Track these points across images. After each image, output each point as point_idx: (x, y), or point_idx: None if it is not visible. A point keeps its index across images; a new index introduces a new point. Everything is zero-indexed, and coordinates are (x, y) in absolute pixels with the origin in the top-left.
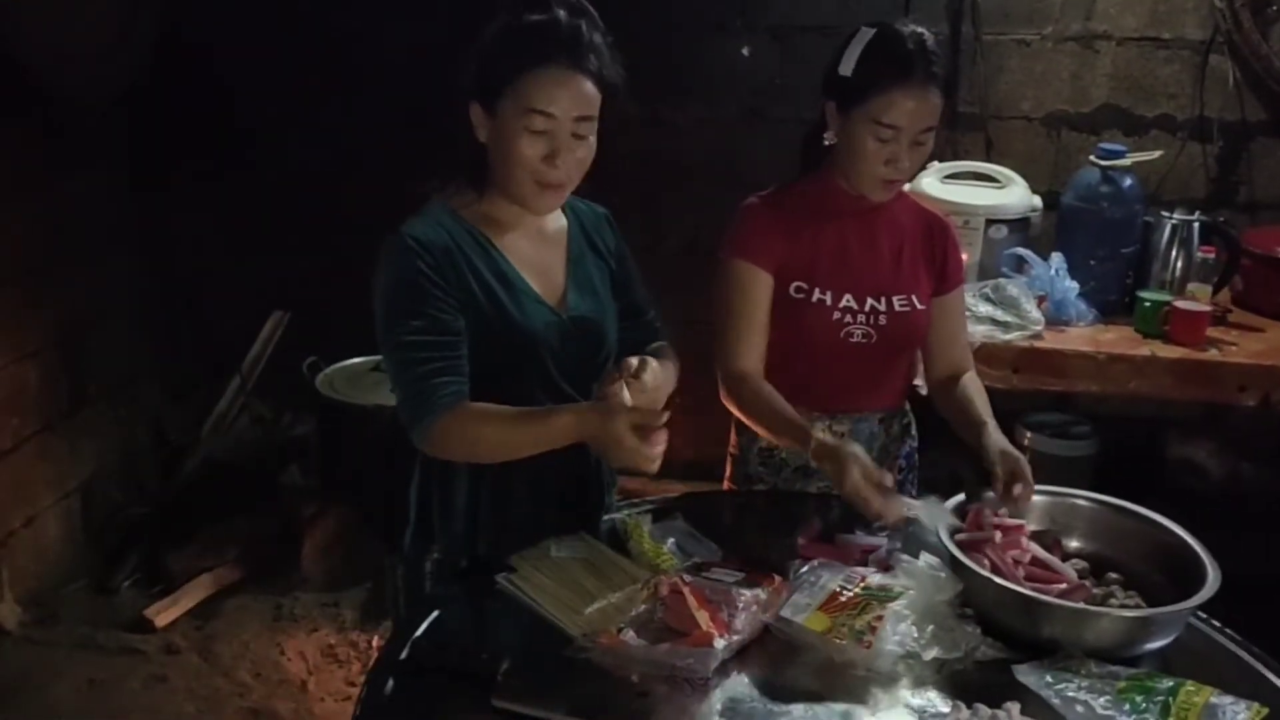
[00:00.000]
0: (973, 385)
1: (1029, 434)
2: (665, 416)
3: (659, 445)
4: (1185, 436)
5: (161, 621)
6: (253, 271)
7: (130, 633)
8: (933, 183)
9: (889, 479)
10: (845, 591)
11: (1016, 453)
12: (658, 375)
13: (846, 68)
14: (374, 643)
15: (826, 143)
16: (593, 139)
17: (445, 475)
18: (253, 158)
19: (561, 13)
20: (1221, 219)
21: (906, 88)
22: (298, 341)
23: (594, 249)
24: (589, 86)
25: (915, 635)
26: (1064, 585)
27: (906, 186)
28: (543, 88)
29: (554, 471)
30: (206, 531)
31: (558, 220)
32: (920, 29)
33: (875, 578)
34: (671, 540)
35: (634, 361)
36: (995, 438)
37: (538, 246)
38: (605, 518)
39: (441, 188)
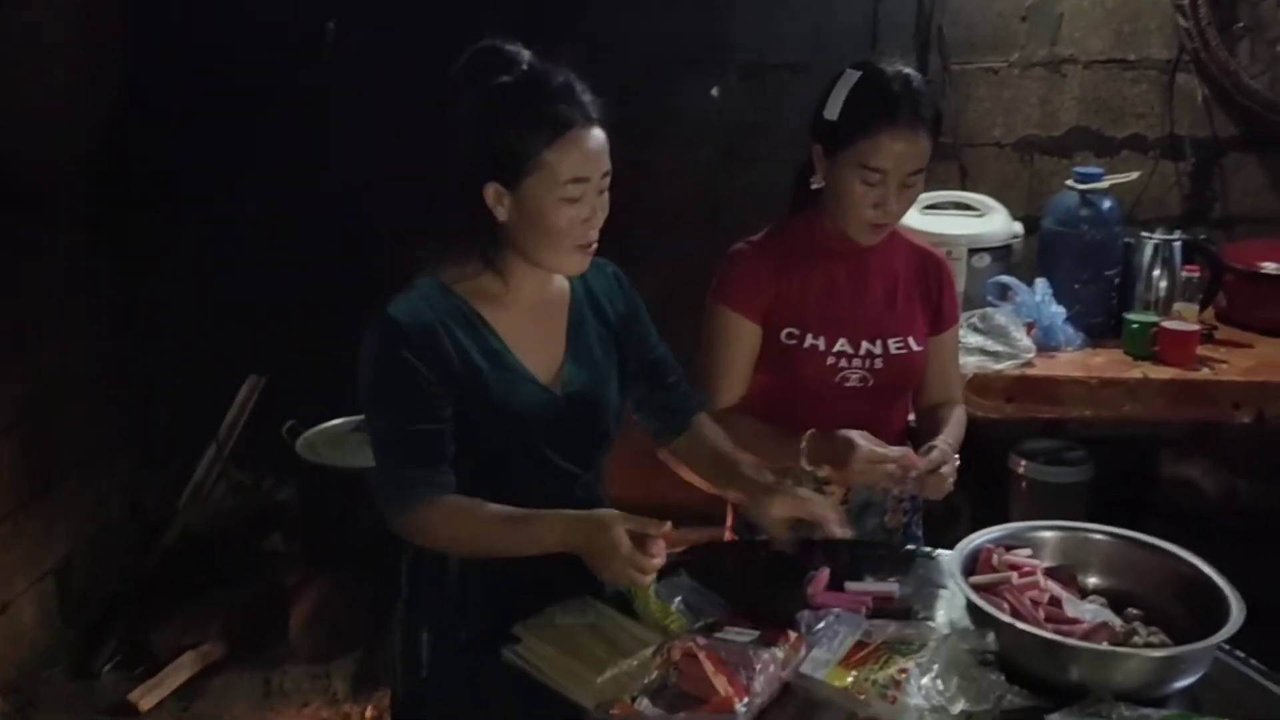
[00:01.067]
0: (953, 416)
1: (1024, 462)
2: (667, 525)
3: (658, 556)
4: (1178, 456)
5: (146, 705)
6: (226, 335)
7: (114, 718)
8: (913, 215)
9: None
10: (866, 644)
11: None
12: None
13: (832, 111)
14: (367, 714)
15: (814, 186)
16: (608, 185)
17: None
18: (219, 220)
19: (527, 67)
20: (1202, 236)
21: (893, 131)
22: (276, 405)
23: (598, 313)
24: (601, 136)
25: (941, 688)
26: (1085, 625)
27: None
28: (570, 159)
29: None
30: (188, 607)
31: (559, 286)
32: (907, 70)
33: (894, 628)
34: (678, 598)
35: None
36: (936, 444)
37: (536, 318)
38: None
39: (436, 260)
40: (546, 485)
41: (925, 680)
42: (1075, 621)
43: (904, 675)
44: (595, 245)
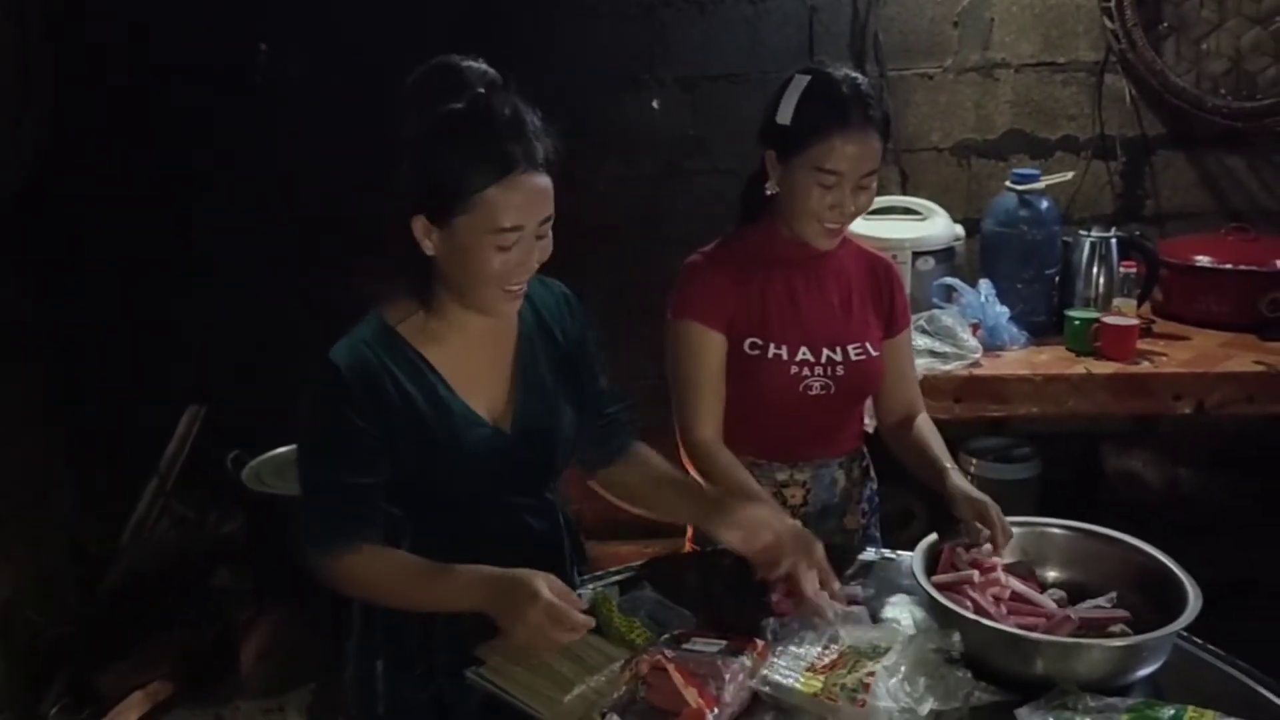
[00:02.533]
0: (927, 427)
1: (974, 461)
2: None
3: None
4: (1120, 449)
5: None
6: (163, 367)
7: None
8: (857, 220)
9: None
10: (832, 649)
11: (983, 497)
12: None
13: (784, 116)
14: None
15: (768, 193)
16: (550, 229)
17: None
18: (152, 249)
19: (482, 91)
20: (1137, 233)
21: (846, 133)
22: (218, 436)
23: (548, 338)
24: (545, 182)
25: (908, 689)
26: (1049, 619)
27: None
28: (509, 203)
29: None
30: (135, 646)
31: (508, 316)
32: (854, 73)
33: (859, 631)
34: (643, 612)
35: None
36: (958, 483)
37: (482, 351)
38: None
39: (377, 295)
40: (497, 520)
41: (893, 682)
42: (1038, 615)
43: (872, 678)
44: (525, 289)
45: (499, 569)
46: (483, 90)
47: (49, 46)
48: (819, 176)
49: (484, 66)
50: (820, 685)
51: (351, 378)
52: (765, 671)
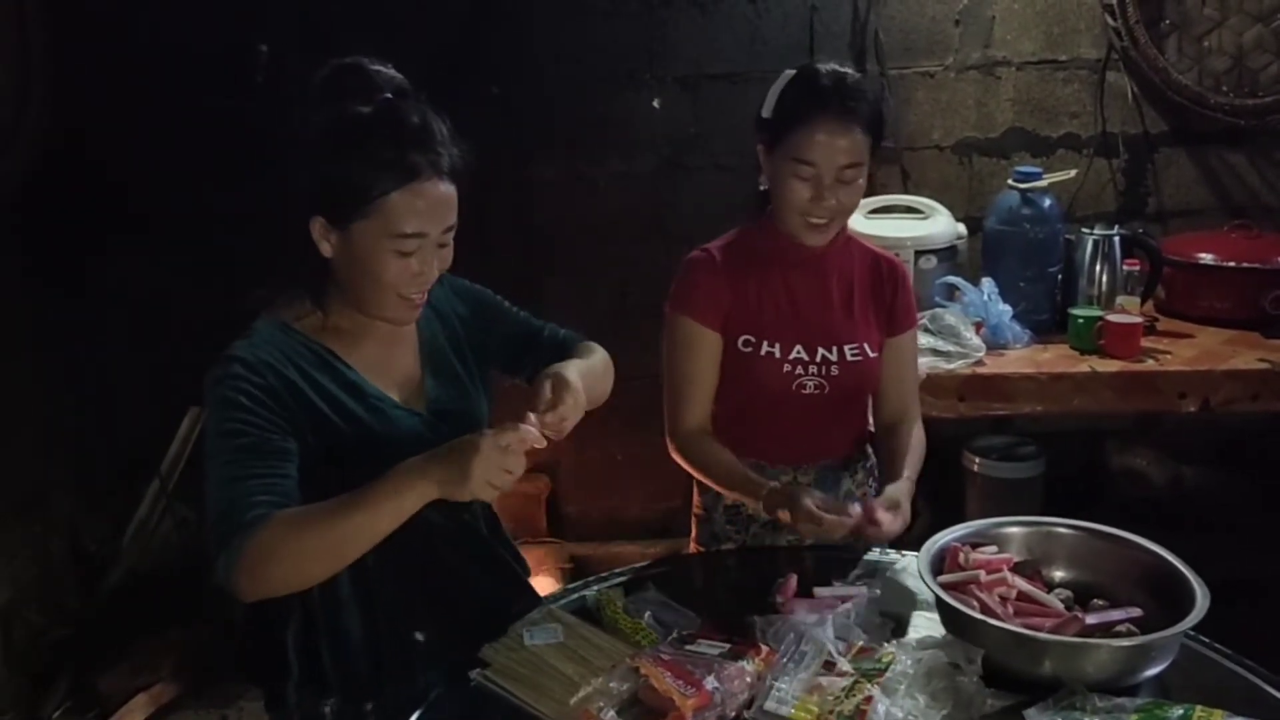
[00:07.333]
0: (913, 438)
1: (977, 460)
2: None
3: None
4: (1124, 446)
5: None
6: (164, 368)
7: None
8: (859, 219)
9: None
10: (830, 669)
11: (898, 501)
12: (577, 392)
13: (768, 109)
14: None
15: (761, 187)
16: (452, 239)
17: (330, 607)
18: (153, 249)
19: (389, 97)
20: (1141, 230)
21: (820, 122)
22: None
23: (447, 327)
24: (450, 191)
25: (913, 703)
26: (1056, 618)
27: None
28: (411, 209)
29: (462, 582)
30: (138, 647)
31: (405, 324)
32: (842, 68)
33: (860, 646)
34: (648, 613)
35: (546, 393)
36: (895, 485)
37: (386, 346)
38: (574, 597)
39: (270, 301)
40: (431, 514)
41: (898, 698)
42: (1045, 614)
43: (869, 704)
44: (425, 295)
45: (426, 457)
46: (390, 95)
47: (50, 41)
48: (795, 167)
49: (393, 73)
50: (815, 711)
51: (254, 365)
52: (760, 701)
